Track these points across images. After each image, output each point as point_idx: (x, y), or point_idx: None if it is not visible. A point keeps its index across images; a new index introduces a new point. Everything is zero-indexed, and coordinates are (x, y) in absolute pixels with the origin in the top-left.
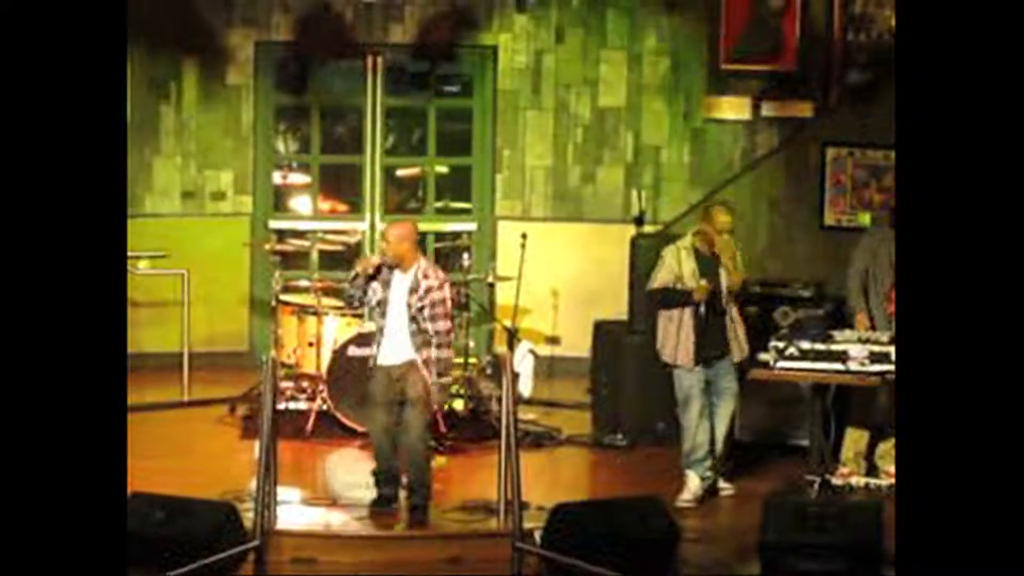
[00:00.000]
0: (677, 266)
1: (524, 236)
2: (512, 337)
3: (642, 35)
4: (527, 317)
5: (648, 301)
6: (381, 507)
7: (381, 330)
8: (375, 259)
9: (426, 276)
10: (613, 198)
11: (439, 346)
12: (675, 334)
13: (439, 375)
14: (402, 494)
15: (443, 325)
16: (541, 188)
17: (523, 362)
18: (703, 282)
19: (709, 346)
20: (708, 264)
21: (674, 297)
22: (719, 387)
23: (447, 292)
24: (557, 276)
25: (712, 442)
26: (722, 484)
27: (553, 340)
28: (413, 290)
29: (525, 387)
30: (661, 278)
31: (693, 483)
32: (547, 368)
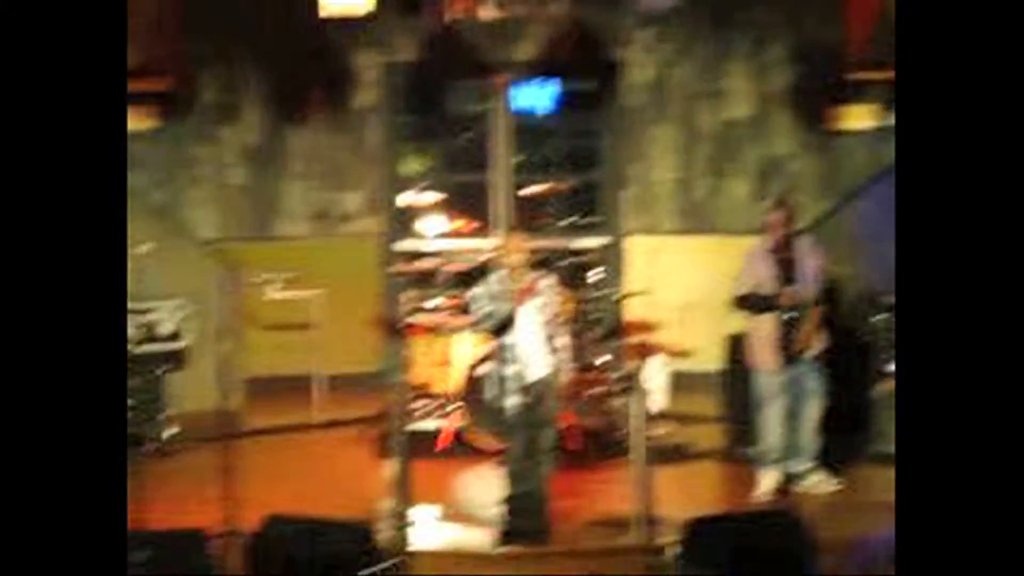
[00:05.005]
0: (755, 271)
1: (653, 250)
2: (643, 352)
3: (767, 45)
4: (658, 331)
5: (737, 308)
6: (512, 541)
7: (511, 348)
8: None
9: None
10: (741, 210)
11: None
12: (756, 335)
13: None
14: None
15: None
16: (668, 202)
17: (655, 376)
18: (788, 289)
19: (790, 347)
20: (785, 265)
21: (758, 303)
22: (803, 387)
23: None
24: (687, 289)
25: (790, 442)
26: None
27: (684, 354)
28: (544, 306)
29: (657, 401)
30: (743, 285)
31: (767, 481)
32: (679, 382)
